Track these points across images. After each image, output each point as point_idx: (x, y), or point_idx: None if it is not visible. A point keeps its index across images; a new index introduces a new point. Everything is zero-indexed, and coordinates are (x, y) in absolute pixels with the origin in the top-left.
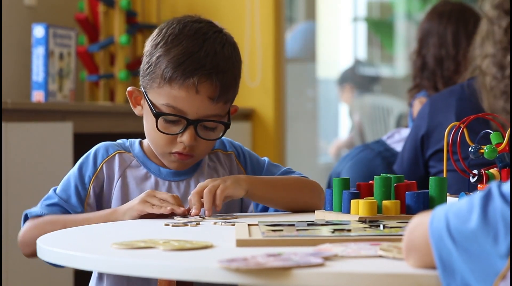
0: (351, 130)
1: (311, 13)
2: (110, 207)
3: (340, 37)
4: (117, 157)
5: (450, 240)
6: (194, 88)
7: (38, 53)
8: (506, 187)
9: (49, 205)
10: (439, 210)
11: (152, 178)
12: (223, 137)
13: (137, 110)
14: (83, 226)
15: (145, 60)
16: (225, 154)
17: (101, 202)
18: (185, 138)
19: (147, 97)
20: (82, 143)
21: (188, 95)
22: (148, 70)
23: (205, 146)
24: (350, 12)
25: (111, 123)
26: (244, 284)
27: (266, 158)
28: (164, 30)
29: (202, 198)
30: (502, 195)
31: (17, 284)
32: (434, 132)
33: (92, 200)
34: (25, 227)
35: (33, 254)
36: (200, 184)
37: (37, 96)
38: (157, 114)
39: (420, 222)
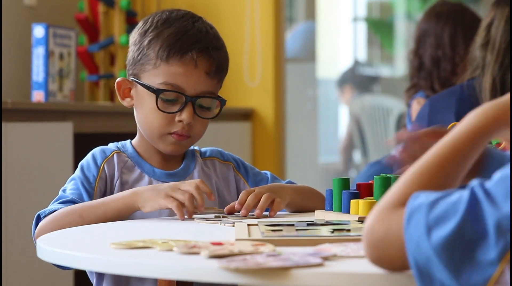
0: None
1: (311, 13)
2: None
3: (340, 37)
4: (115, 156)
5: (430, 247)
6: (193, 62)
7: (38, 53)
8: (489, 185)
9: (62, 202)
10: (416, 213)
11: (146, 178)
12: (222, 150)
13: (126, 102)
14: (83, 226)
15: (133, 49)
16: (222, 163)
17: None
18: (185, 115)
19: (141, 82)
20: (82, 143)
21: (187, 70)
22: (139, 57)
23: (201, 125)
24: (350, 12)
25: (111, 123)
26: (243, 284)
27: (268, 172)
28: (150, 19)
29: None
30: (487, 195)
31: (17, 284)
32: None
33: (98, 197)
34: (42, 224)
35: None
36: (258, 190)
37: (37, 96)
38: (158, 91)
39: (387, 233)
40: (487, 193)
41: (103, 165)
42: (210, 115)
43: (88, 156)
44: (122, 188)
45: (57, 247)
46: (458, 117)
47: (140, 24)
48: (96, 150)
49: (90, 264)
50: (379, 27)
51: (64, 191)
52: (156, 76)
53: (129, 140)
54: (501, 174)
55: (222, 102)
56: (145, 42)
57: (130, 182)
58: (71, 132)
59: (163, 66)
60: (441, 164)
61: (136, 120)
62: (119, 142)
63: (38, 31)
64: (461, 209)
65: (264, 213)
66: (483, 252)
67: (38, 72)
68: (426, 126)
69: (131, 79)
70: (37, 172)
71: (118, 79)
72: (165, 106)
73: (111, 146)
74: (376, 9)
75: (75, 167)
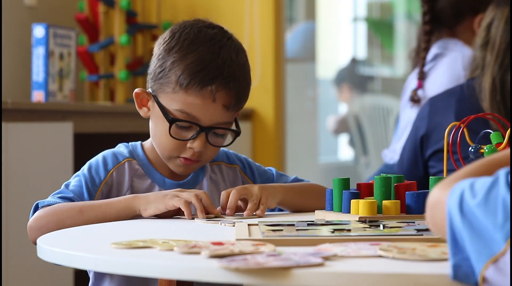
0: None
1: (311, 13)
2: None
3: (340, 37)
4: (126, 165)
5: (460, 215)
6: (212, 96)
7: (38, 53)
8: None
9: (62, 198)
10: (459, 186)
11: (156, 189)
12: (227, 150)
13: (142, 112)
14: (83, 226)
15: (156, 63)
16: (228, 167)
17: None
18: (196, 144)
19: (159, 102)
20: (82, 143)
21: (204, 103)
22: (161, 75)
23: (212, 152)
24: (350, 12)
25: (111, 123)
26: (244, 284)
27: (273, 168)
28: (177, 34)
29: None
30: (507, 182)
31: (17, 284)
32: (433, 133)
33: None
34: (39, 213)
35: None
36: (242, 188)
37: (37, 96)
38: (172, 120)
39: (439, 200)
40: (507, 181)
41: (113, 172)
42: (222, 143)
43: (99, 157)
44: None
45: (57, 247)
46: (458, 117)
47: (166, 35)
48: (108, 153)
49: (90, 264)
50: (379, 27)
51: (67, 186)
52: (173, 100)
53: (139, 143)
54: None
55: (236, 133)
56: (168, 63)
57: (141, 192)
58: (71, 132)
59: (181, 94)
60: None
61: (150, 130)
62: (130, 144)
63: (38, 31)
64: (485, 187)
65: (266, 213)
66: (492, 230)
67: (38, 72)
68: (425, 126)
69: (150, 92)
70: (37, 172)
71: (136, 90)
72: (178, 132)
73: (123, 149)
74: (376, 9)
75: (75, 167)
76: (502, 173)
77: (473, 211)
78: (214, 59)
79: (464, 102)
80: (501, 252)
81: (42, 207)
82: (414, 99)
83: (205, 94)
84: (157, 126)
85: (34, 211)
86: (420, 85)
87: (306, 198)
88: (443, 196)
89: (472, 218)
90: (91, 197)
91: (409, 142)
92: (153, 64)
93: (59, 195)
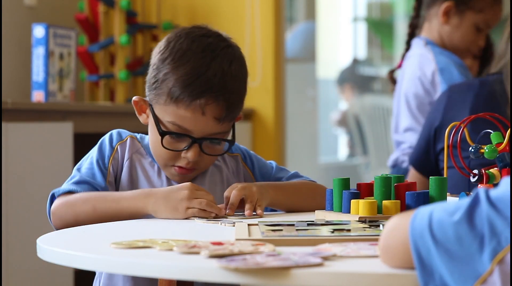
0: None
1: (311, 13)
2: (123, 188)
3: (340, 37)
4: (129, 140)
5: (431, 239)
6: (201, 110)
7: (38, 53)
8: (493, 192)
9: (76, 183)
10: (423, 210)
11: (156, 167)
12: None
13: (142, 118)
14: (83, 226)
15: (151, 72)
16: (230, 156)
17: (118, 182)
18: (190, 154)
19: (153, 112)
20: (82, 143)
21: (194, 116)
22: (154, 85)
23: (208, 160)
24: (350, 12)
25: (111, 123)
26: (243, 284)
27: (273, 162)
28: (172, 43)
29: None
30: (489, 200)
31: (17, 284)
32: (445, 127)
33: (112, 178)
34: (56, 202)
35: (64, 227)
36: (242, 188)
37: (37, 96)
38: (163, 133)
39: (399, 224)
40: (489, 198)
41: (117, 147)
42: (217, 152)
43: (106, 136)
44: (130, 171)
45: (57, 247)
46: (472, 113)
47: (162, 44)
48: (114, 132)
49: (90, 264)
50: (379, 27)
51: (79, 170)
52: (166, 112)
53: (148, 136)
54: (506, 180)
55: (230, 143)
56: (161, 74)
57: (141, 167)
58: (71, 132)
59: (172, 107)
60: None
61: (148, 134)
62: (138, 134)
63: (38, 31)
64: (463, 207)
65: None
66: (476, 250)
67: (38, 72)
68: (440, 118)
69: (147, 101)
70: (37, 172)
71: (134, 98)
72: (171, 142)
73: (128, 131)
74: (376, 9)
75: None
76: (481, 191)
77: (447, 231)
78: (204, 73)
79: (480, 98)
80: (488, 271)
81: (59, 196)
82: (392, 78)
83: (195, 108)
84: (153, 135)
85: (51, 200)
86: (400, 66)
87: (298, 198)
88: (403, 221)
89: (444, 240)
90: (103, 175)
91: (424, 132)
92: (149, 73)
93: (73, 180)
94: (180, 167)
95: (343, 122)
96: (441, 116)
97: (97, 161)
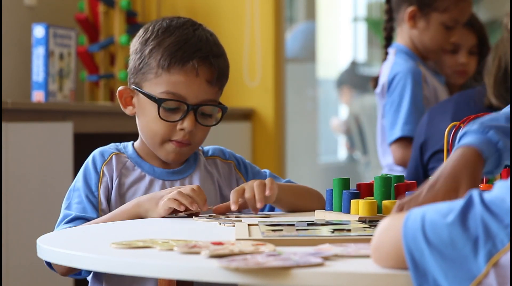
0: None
1: (311, 13)
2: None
3: (340, 37)
4: (114, 158)
5: (424, 241)
6: (194, 70)
7: (38, 53)
8: (487, 195)
9: (68, 222)
10: (415, 211)
11: (147, 177)
12: (223, 148)
13: (128, 110)
14: (83, 226)
15: (134, 58)
16: (223, 162)
17: (111, 204)
18: (186, 124)
19: (143, 91)
20: (82, 143)
21: (188, 79)
22: (140, 65)
23: (202, 133)
24: (350, 12)
25: (111, 123)
26: (244, 284)
27: (267, 170)
28: (150, 27)
29: (242, 196)
30: (483, 202)
31: (17, 284)
32: (432, 137)
33: (104, 205)
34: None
35: (68, 270)
36: (240, 186)
37: (37, 96)
38: (159, 100)
39: (391, 225)
40: (483, 200)
41: (103, 169)
42: (211, 123)
43: (89, 161)
44: (119, 190)
45: (57, 247)
46: (454, 118)
47: (140, 32)
48: (96, 154)
49: (90, 264)
50: (379, 27)
51: (68, 207)
52: (157, 85)
53: (131, 142)
54: (500, 184)
55: (224, 109)
56: (146, 51)
57: (129, 183)
58: (71, 132)
59: (164, 75)
60: None
61: (138, 127)
62: (121, 143)
63: (38, 31)
64: (456, 209)
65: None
66: (470, 252)
67: (38, 72)
68: (424, 134)
69: (133, 88)
70: (37, 172)
71: (120, 88)
72: (167, 114)
73: (111, 146)
74: (376, 9)
75: (75, 167)
76: (474, 193)
77: (440, 233)
78: (190, 39)
79: (461, 104)
80: (483, 273)
81: None
82: (375, 86)
83: (187, 70)
84: (146, 116)
85: None
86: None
87: (301, 199)
88: (396, 222)
89: (438, 242)
90: (95, 207)
91: (413, 151)
92: (132, 60)
93: (64, 221)
94: (176, 141)
95: (343, 130)
96: (425, 132)
97: (86, 195)
